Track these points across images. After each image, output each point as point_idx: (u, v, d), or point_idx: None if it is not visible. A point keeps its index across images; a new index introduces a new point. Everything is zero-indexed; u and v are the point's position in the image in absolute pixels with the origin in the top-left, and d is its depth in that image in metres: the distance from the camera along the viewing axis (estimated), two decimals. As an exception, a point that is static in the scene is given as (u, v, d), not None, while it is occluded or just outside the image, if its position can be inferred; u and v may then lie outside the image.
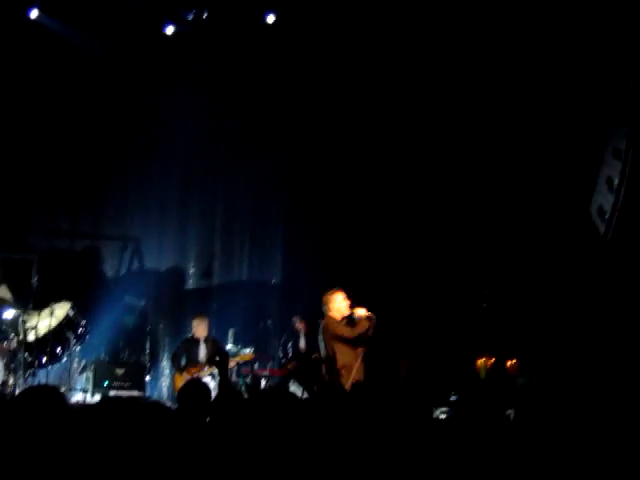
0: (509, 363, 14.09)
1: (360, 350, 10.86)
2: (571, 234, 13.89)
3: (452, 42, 14.93)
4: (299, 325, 14.82)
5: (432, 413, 7.04)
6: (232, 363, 13.98)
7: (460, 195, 15.58)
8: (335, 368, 10.84)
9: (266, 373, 14.79)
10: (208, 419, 5.78)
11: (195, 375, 13.29)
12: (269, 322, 16.20)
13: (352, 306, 11.05)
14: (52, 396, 4.35)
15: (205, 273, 16.64)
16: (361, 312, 10.88)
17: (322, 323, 11.27)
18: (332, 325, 10.97)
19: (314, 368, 13.21)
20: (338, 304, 11.04)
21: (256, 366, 14.89)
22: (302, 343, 14.75)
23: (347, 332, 10.87)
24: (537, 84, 14.06)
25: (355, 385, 9.25)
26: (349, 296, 11.20)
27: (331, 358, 10.94)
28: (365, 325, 10.80)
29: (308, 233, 16.67)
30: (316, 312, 15.06)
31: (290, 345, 14.88)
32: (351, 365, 10.77)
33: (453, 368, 14.24)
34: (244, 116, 16.63)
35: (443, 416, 9.42)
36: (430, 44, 15.13)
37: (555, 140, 13.97)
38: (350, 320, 11.02)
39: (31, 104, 15.32)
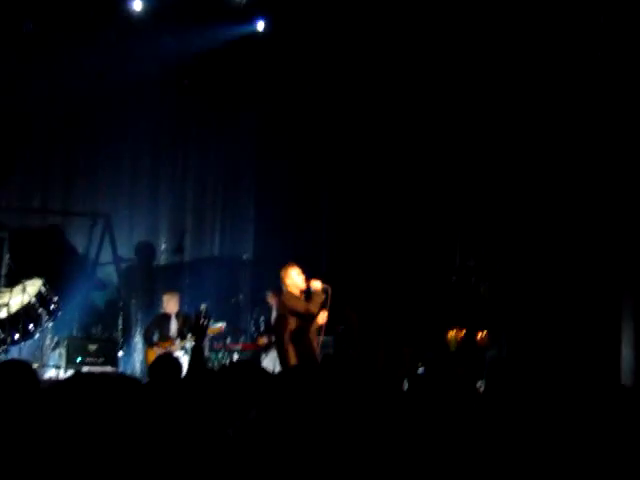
0: (479, 335, 14.22)
1: (316, 324, 10.90)
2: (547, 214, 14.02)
3: (450, 44, 14.97)
4: (271, 299, 14.86)
5: (401, 385, 7.09)
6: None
7: (440, 163, 15.65)
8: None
9: (238, 347, 14.84)
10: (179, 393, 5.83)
11: (167, 350, 13.35)
12: (241, 297, 16.25)
13: (307, 279, 11.04)
14: (23, 371, 4.39)
15: (177, 249, 16.63)
16: (316, 285, 10.87)
17: (280, 298, 11.29)
18: (288, 300, 10.96)
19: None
20: (294, 279, 11.04)
21: (228, 340, 14.93)
22: (274, 317, 14.79)
23: (301, 307, 10.85)
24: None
25: (325, 358, 9.32)
26: (310, 270, 11.19)
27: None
28: (320, 299, 10.81)
29: (280, 207, 16.72)
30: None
31: (262, 319, 14.92)
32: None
33: (423, 340, 14.35)
34: (214, 88, 16.60)
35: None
36: (424, 42, 15.13)
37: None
38: (307, 294, 11.03)
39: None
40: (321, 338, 11.17)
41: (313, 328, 10.84)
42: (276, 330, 11.01)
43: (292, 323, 10.79)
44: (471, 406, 5.14)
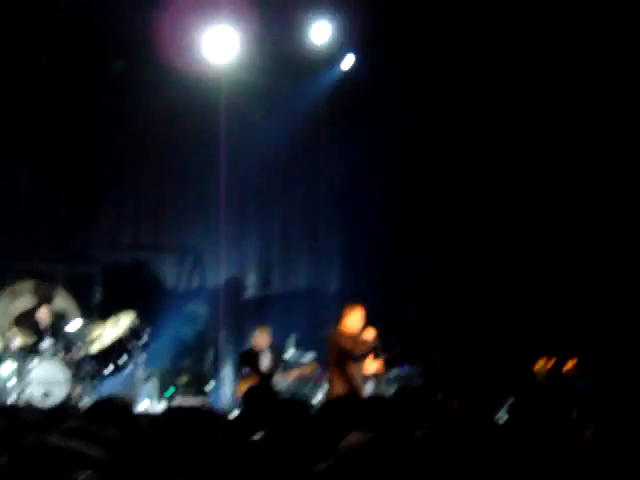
0: (568, 364, 14.06)
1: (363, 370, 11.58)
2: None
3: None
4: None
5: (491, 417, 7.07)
6: (295, 373, 14.14)
7: (531, 192, 15.62)
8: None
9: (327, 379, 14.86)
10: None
11: (258, 384, 13.41)
12: (329, 328, 16.28)
13: (364, 325, 11.52)
14: (120, 407, 4.52)
15: (264, 282, 16.77)
16: (369, 334, 11.55)
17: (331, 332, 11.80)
18: (339, 337, 11.39)
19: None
20: (353, 321, 11.65)
21: (318, 372, 14.97)
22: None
23: (349, 345, 11.27)
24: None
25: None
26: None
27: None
28: (366, 347, 11.30)
29: (366, 240, 16.73)
30: (376, 317, 15.20)
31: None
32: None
33: (511, 370, 14.24)
34: (302, 121, 16.63)
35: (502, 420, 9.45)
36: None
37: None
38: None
39: (90, 118, 15.57)
40: (376, 385, 11.80)
41: (359, 371, 11.26)
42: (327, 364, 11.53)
43: (341, 360, 11.25)
44: (563, 437, 5.12)
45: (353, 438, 3.27)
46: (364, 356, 11.69)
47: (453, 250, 16.14)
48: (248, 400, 6.48)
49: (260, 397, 6.48)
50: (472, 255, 15.97)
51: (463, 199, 16.14)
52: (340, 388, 11.56)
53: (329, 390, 11.97)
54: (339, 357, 11.74)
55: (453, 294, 15.82)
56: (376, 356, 11.69)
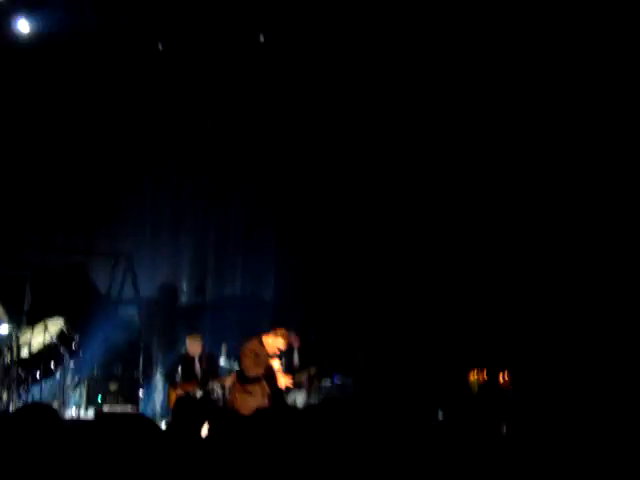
0: (502, 376, 14.13)
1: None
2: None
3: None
4: (292, 339, 14.85)
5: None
6: (228, 382, 14.04)
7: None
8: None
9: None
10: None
11: (190, 391, 13.32)
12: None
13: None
14: (47, 413, 4.41)
15: (198, 289, 16.67)
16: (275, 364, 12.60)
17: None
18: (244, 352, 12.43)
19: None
20: (275, 342, 12.57)
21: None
22: (295, 357, 14.79)
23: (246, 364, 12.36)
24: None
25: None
26: None
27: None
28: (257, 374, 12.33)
29: (300, 249, 16.72)
30: (309, 326, 15.20)
31: (283, 360, 14.90)
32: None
33: (442, 382, 14.28)
34: (235, 131, 16.64)
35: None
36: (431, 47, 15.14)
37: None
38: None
39: (27, 118, 15.36)
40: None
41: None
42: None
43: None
44: (494, 450, 5.11)
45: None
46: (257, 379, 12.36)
47: (391, 255, 16.15)
48: (179, 409, 6.40)
49: (192, 406, 6.41)
50: (407, 261, 15.99)
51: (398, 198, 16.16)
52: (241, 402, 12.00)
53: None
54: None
55: (388, 302, 15.82)
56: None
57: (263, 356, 12.47)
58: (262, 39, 15.22)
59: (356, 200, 16.46)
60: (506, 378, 14.10)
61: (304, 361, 14.44)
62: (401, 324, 15.50)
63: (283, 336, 12.77)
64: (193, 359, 14.03)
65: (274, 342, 12.61)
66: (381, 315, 15.65)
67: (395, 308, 15.66)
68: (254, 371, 12.32)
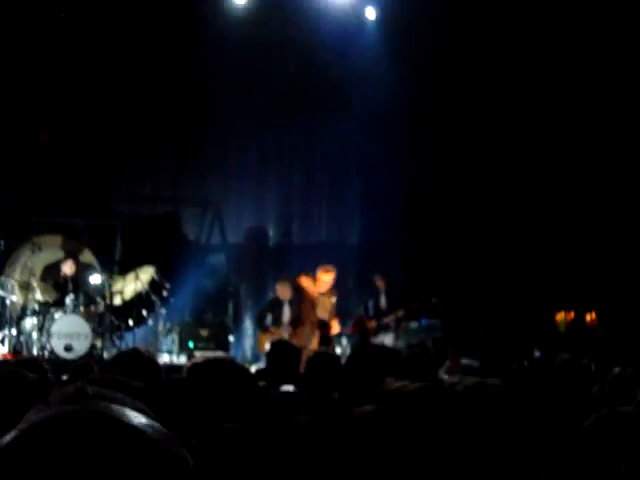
0: (588, 317, 14.06)
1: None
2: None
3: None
4: (379, 283, 14.89)
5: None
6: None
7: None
8: None
9: (348, 331, 14.92)
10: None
11: (280, 336, 13.44)
12: (349, 281, 16.30)
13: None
14: (145, 359, 4.53)
15: (284, 234, 16.79)
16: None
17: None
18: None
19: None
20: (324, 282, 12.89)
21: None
22: (383, 300, 14.84)
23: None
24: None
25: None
26: None
27: None
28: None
29: (386, 192, 16.67)
30: (395, 269, 15.22)
31: (371, 303, 14.97)
32: None
33: (533, 323, 14.24)
34: (319, 75, 16.51)
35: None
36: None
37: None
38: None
39: (113, 72, 15.48)
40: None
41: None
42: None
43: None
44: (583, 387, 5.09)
45: (394, 384, 3.26)
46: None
47: (473, 201, 16.08)
48: (273, 353, 6.45)
49: (286, 350, 6.46)
50: (493, 206, 15.91)
51: (481, 149, 16.05)
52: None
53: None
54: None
55: (472, 246, 15.78)
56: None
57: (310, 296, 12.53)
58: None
59: (441, 143, 16.39)
60: (593, 317, 14.03)
61: (391, 304, 14.51)
62: (489, 265, 15.48)
63: (331, 272, 12.83)
64: (283, 303, 14.09)
65: (324, 279, 12.59)
66: (468, 256, 15.64)
67: (482, 250, 15.62)
68: (299, 312, 12.44)
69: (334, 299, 13.25)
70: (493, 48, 15.48)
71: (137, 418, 1.30)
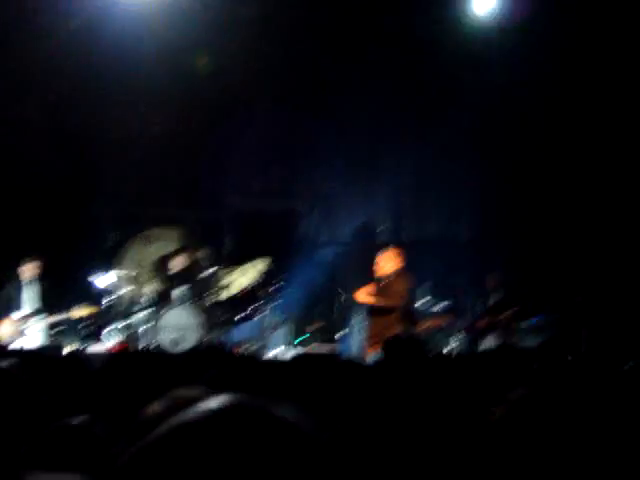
0: None
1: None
2: None
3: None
4: (491, 282, 14.66)
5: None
6: (427, 324, 13.92)
7: None
8: None
9: (460, 329, 14.69)
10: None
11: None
12: (460, 278, 16.10)
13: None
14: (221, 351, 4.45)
15: (394, 231, 16.63)
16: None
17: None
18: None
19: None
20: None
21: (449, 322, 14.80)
22: (495, 299, 14.59)
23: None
24: None
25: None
26: None
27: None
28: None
29: (498, 190, 16.38)
30: (507, 267, 14.95)
31: (482, 301, 14.74)
32: None
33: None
34: (435, 74, 16.29)
35: None
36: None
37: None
38: None
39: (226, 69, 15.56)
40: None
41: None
42: None
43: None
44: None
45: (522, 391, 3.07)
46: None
47: (583, 201, 15.69)
48: (390, 348, 6.33)
49: (404, 345, 6.34)
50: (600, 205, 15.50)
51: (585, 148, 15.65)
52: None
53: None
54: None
55: (586, 246, 15.39)
56: None
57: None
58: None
59: (554, 139, 16.03)
60: None
61: (504, 302, 14.24)
62: (606, 264, 15.09)
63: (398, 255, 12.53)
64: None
65: (390, 260, 12.26)
66: (585, 255, 15.27)
67: (601, 248, 15.24)
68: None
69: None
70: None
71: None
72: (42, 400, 3.43)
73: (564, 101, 15.71)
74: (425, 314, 14.25)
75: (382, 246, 14.37)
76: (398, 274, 12.31)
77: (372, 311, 12.29)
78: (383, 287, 12.22)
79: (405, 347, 6.22)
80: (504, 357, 4.63)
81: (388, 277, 12.25)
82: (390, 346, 6.34)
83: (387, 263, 12.37)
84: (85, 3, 14.12)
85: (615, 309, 14.37)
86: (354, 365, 4.10)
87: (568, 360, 5.49)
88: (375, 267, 12.32)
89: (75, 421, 3.18)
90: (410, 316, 13.19)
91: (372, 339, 11.80)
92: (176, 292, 13.58)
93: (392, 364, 6.03)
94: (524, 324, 14.24)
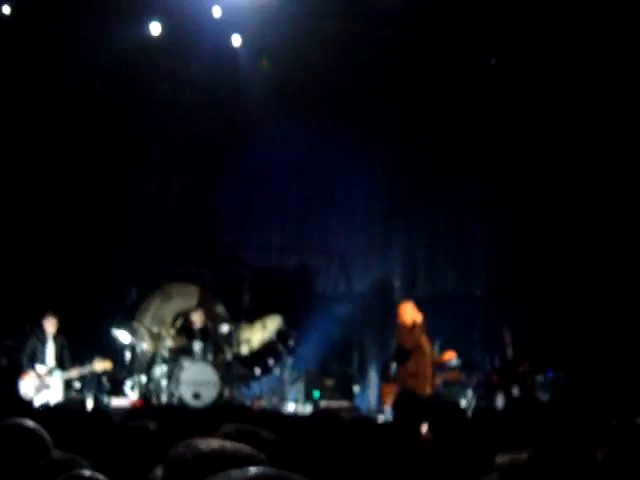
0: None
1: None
2: None
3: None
4: (507, 336, 14.76)
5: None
6: (439, 379, 14.00)
7: None
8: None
9: (472, 383, 14.78)
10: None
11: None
12: (475, 332, 16.18)
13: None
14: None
15: (410, 285, 16.76)
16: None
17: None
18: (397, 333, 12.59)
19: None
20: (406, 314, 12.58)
21: (463, 376, 14.89)
22: (509, 353, 14.69)
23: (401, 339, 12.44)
24: None
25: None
26: None
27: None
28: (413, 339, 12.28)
29: (512, 244, 16.49)
30: (521, 322, 15.05)
31: (496, 356, 14.84)
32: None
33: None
34: (448, 139, 16.46)
35: None
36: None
37: None
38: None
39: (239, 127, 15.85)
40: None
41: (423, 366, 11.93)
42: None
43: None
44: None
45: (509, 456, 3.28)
46: (415, 346, 12.21)
47: (604, 259, 15.72)
48: (400, 405, 6.42)
49: (413, 402, 6.42)
50: (623, 256, 15.54)
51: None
52: (407, 384, 11.85)
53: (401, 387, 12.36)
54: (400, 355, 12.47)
55: (601, 295, 15.42)
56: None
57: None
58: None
59: (569, 193, 16.15)
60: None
61: (517, 356, 14.36)
62: (616, 319, 15.13)
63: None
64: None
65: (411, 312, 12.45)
66: (595, 309, 15.31)
67: (610, 303, 15.29)
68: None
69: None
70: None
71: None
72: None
73: (575, 153, 15.87)
74: (440, 369, 14.35)
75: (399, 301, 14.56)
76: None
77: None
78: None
79: (414, 405, 6.30)
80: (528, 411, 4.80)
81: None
82: (400, 404, 6.43)
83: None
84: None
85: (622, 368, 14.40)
86: (368, 423, 4.27)
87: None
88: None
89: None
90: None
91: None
92: (196, 347, 13.77)
93: (402, 422, 6.11)
94: (539, 378, 14.34)
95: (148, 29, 14.15)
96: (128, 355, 13.84)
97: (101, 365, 13.05)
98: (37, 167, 15.08)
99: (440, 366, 14.05)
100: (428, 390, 12.06)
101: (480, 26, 14.60)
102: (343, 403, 14.15)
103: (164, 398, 13.22)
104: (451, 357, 13.84)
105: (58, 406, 9.16)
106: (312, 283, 16.65)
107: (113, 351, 13.91)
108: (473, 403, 14.05)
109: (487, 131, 16.38)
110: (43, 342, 13.01)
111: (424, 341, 12.40)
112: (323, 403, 14.13)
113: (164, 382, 13.42)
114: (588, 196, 15.67)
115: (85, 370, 13.02)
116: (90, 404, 12.63)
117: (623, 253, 15.40)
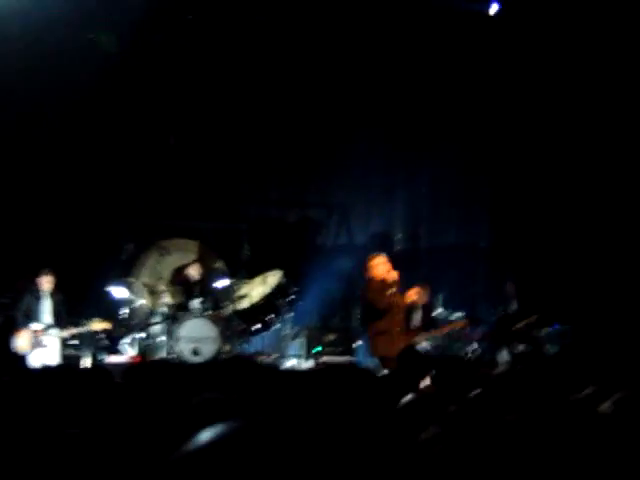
0: None
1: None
2: None
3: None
4: (510, 289, 14.59)
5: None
6: (445, 329, 13.80)
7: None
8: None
9: (477, 337, 14.60)
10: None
11: (411, 341, 13.12)
12: (478, 285, 16.03)
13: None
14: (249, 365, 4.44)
15: (412, 238, 16.56)
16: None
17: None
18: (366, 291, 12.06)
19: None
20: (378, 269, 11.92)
21: (467, 330, 14.70)
22: (513, 307, 14.51)
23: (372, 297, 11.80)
24: None
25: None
26: None
27: None
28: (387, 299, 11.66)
29: (517, 194, 16.29)
30: (526, 274, 14.85)
31: (501, 309, 14.66)
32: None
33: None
34: (450, 89, 16.28)
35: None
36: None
37: None
38: None
39: (237, 79, 15.59)
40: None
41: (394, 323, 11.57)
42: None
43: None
44: None
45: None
46: (387, 307, 11.63)
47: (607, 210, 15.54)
48: (404, 359, 6.32)
49: (414, 357, 6.33)
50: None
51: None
52: (379, 345, 11.49)
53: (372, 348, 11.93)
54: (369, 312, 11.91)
55: (604, 247, 15.24)
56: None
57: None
58: None
59: (575, 141, 15.94)
60: None
61: (523, 309, 14.17)
62: (622, 269, 14.95)
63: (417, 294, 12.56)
64: (413, 308, 13.70)
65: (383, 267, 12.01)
66: (601, 262, 15.15)
67: (615, 254, 15.12)
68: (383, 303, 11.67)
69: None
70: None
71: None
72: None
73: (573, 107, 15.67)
74: (442, 322, 14.14)
75: (402, 253, 14.34)
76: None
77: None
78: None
79: (420, 358, 6.21)
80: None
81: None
82: (403, 358, 6.33)
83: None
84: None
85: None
86: (369, 375, 4.08)
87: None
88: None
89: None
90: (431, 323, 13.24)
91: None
92: (194, 303, 13.58)
93: (405, 375, 6.02)
94: (544, 332, 14.14)
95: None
96: (126, 311, 13.65)
97: (100, 325, 12.81)
98: (29, 122, 14.77)
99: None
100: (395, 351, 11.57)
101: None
102: (344, 358, 13.98)
103: (162, 354, 13.03)
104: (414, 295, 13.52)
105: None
106: (312, 237, 16.45)
107: (109, 307, 13.71)
108: (476, 355, 13.88)
109: (489, 80, 16.17)
110: (38, 299, 12.78)
111: (399, 300, 11.94)
112: (324, 358, 13.99)
113: (163, 338, 13.23)
114: (593, 143, 15.45)
115: (80, 328, 12.78)
116: (88, 362, 12.50)
117: (633, 201, 15.22)
